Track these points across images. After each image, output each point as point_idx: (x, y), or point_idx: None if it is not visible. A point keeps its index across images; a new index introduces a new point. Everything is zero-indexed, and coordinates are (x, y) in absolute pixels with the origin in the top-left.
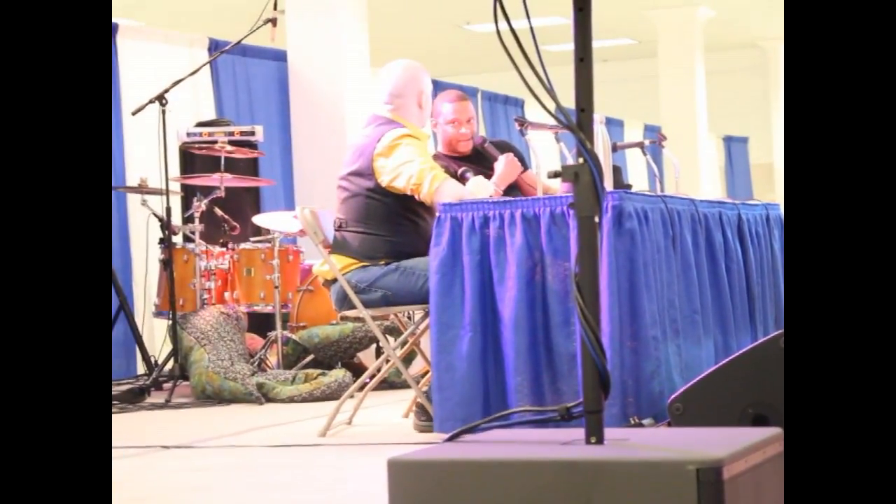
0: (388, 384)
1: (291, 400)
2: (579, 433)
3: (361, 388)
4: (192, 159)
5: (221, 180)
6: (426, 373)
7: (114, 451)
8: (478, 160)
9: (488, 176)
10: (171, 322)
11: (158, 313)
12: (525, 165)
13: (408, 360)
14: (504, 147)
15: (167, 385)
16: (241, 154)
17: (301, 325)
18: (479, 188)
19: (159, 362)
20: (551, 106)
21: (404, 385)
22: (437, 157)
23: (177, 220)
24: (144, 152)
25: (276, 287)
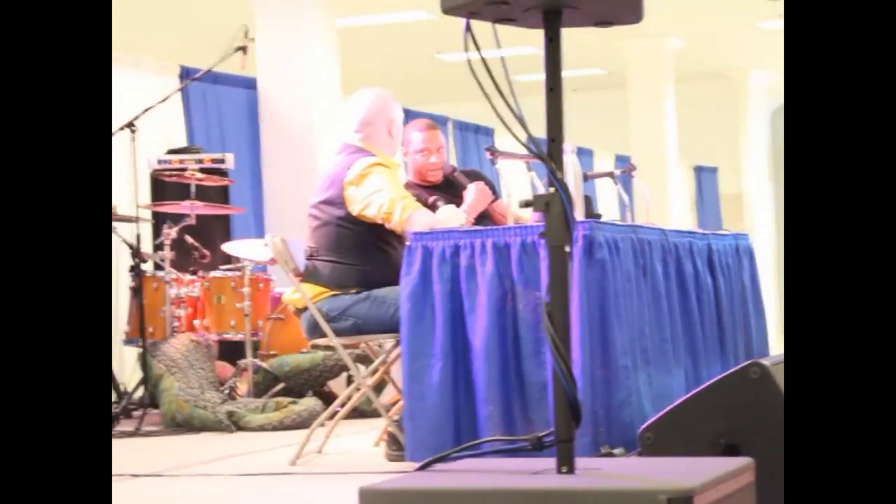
0: (358, 413)
1: (262, 428)
2: (550, 462)
3: (332, 416)
4: (163, 186)
5: (192, 208)
6: (397, 401)
7: None
8: (448, 189)
9: (459, 205)
10: (141, 350)
11: (128, 341)
12: (496, 194)
13: (379, 388)
14: (474, 176)
15: (137, 413)
16: (212, 182)
17: (272, 353)
18: (450, 217)
19: (129, 390)
20: (522, 135)
21: (375, 414)
22: (408, 185)
23: (147, 247)
24: (115, 179)
25: (247, 315)
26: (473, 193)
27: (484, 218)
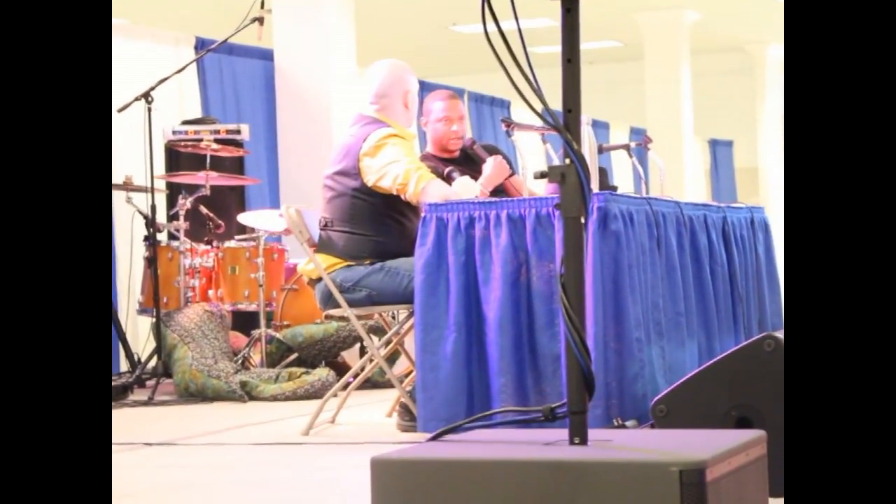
0: (371, 383)
1: (275, 398)
2: (563, 434)
3: (345, 387)
4: (178, 157)
5: (207, 178)
6: (410, 372)
7: None
8: (465, 162)
9: (475, 178)
10: (154, 319)
11: (142, 311)
12: (513, 169)
13: (392, 359)
14: (492, 150)
15: (150, 382)
16: (227, 152)
17: (285, 323)
18: (465, 189)
19: (142, 359)
20: (538, 107)
21: (388, 384)
22: (424, 157)
23: (162, 217)
24: (130, 150)
25: (261, 285)
26: (491, 167)
27: (500, 192)
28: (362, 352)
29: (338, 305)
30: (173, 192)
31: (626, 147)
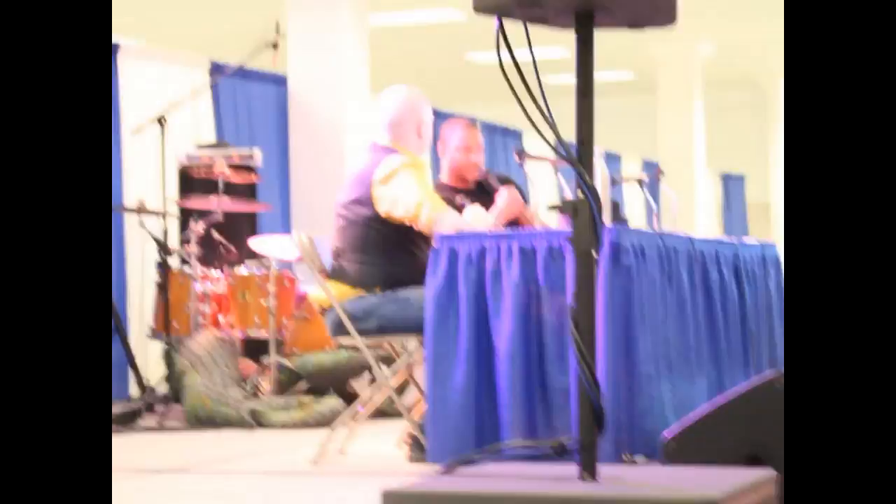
0: (381, 413)
1: (284, 426)
2: (572, 469)
3: (354, 416)
4: (191, 182)
5: (219, 204)
6: (419, 402)
7: None
8: (479, 193)
9: (488, 208)
10: (165, 345)
11: (153, 336)
12: (526, 200)
13: (401, 389)
14: (505, 181)
15: (160, 408)
16: (240, 178)
17: (295, 351)
18: (478, 219)
19: (152, 385)
20: (551, 138)
21: (397, 414)
22: (438, 186)
23: (174, 242)
24: (143, 173)
25: (272, 313)
26: (505, 199)
27: (512, 223)
28: (372, 381)
29: (348, 334)
30: (185, 216)
31: (639, 180)
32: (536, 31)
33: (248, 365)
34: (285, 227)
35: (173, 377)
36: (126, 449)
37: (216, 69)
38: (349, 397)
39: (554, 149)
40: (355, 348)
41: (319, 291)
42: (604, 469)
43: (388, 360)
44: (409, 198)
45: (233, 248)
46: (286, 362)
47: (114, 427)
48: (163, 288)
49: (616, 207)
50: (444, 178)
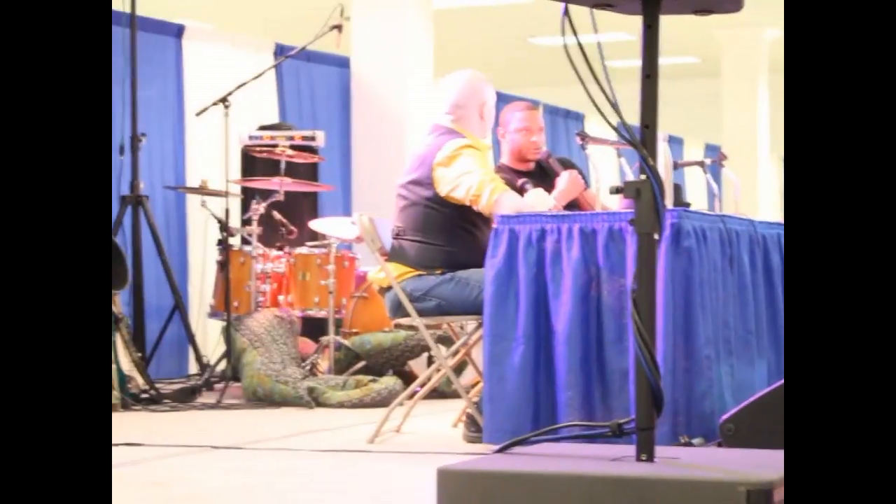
0: (438, 393)
1: (341, 405)
2: (629, 450)
3: (411, 396)
4: (253, 162)
5: (281, 184)
6: (477, 383)
7: (163, 450)
8: (540, 175)
9: (549, 191)
10: (225, 323)
11: (213, 314)
12: (586, 183)
13: (459, 370)
14: (567, 164)
15: (219, 386)
16: (302, 159)
17: (354, 331)
18: (539, 201)
19: (212, 363)
20: (615, 121)
21: (454, 395)
22: (499, 168)
23: (235, 222)
24: (206, 154)
25: (331, 292)
26: (566, 181)
27: (573, 206)
28: (430, 361)
29: (407, 314)
30: (247, 196)
31: (701, 164)
32: (600, 14)
33: (306, 344)
34: (346, 208)
35: (232, 355)
36: (184, 426)
37: (280, 51)
38: (407, 377)
39: (617, 131)
40: (414, 328)
41: (379, 272)
42: (661, 451)
43: (446, 341)
44: (470, 179)
45: (293, 228)
46: (345, 342)
47: (174, 404)
48: (223, 267)
49: (678, 191)
50: (505, 160)
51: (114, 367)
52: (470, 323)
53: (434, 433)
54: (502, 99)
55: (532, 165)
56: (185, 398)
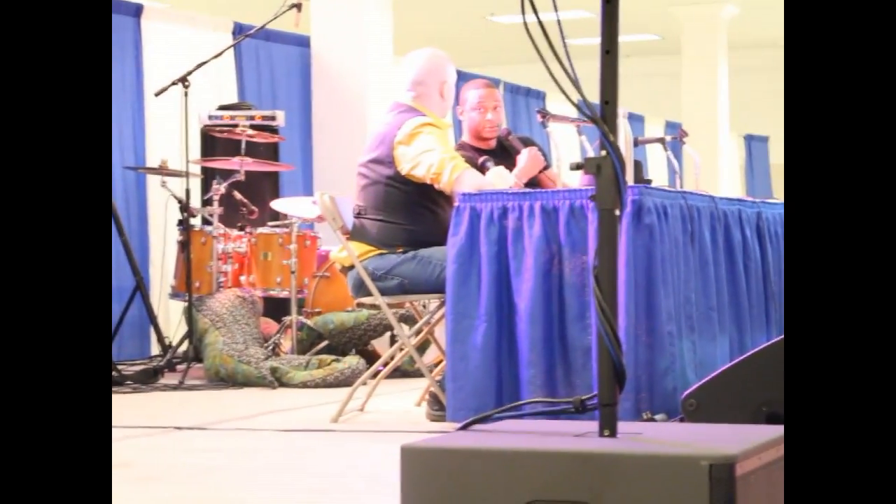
0: (401, 372)
1: (304, 385)
2: (592, 426)
3: (375, 375)
4: (213, 142)
5: (241, 164)
6: (440, 362)
7: (126, 431)
8: (501, 152)
9: (510, 169)
10: (186, 304)
11: (174, 295)
12: (547, 162)
13: (422, 348)
14: (528, 143)
15: (181, 367)
16: (262, 138)
17: (316, 310)
18: (500, 179)
19: (174, 344)
20: (575, 98)
21: (418, 374)
22: (460, 146)
23: (196, 202)
24: (166, 134)
25: (293, 272)
26: (526, 158)
27: (534, 185)
28: (393, 340)
29: (369, 293)
30: (208, 176)
31: (662, 140)
32: None
33: (269, 324)
34: (307, 187)
35: (194, 336)
36: (147, 407)
37: (239, 30)
38: (370, 356)
39: (578, 108)
40: (376, 307)
41: (341, 251)
42: (623, 426)
43: (408, 320)
44: (431, 157)
45: (255, 208)
46: (307, 321)
47: (136, 385)
48: (184, 247)
49: (639, 167)
50: (465, 138)
51: None
52: (432, 301)
53: (397, 412)
54: (463, 77)
55: (493, 143)
56: (147, 379)
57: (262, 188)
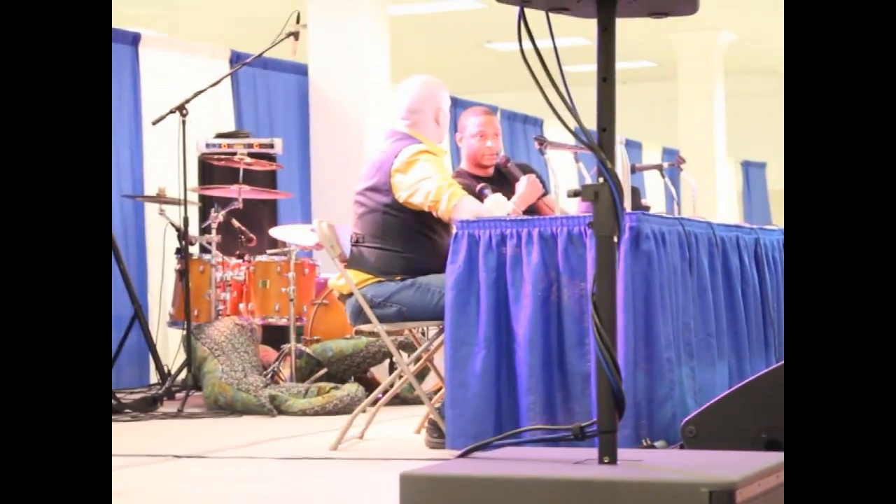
0: (400, 399)
1: (303, 413)
2: (592, 453)
3: (374, 402)
4: (211, 170)
5: (239, 192)
6: (439, 389)
7: (125, 460)
8: (499, 179)
9: (508, 196)
10: (185, 332)
11: (173, 323)
12: (545, 188)
13: (421, 375)
14: (526, 169)
15: (180, 395)
16: (260, 166)
17: (315, 338)
18: (498, 206)
19: (173, 372)
20: (572, 125)
21: (417, 401)
22: (458, 174)
23: (194, 230)
24: (164, 162)
25: (291, 300)
26: (525, 186)
27: (532, 212)
28: (392, 368)
29: (368, 321)
30: (206, 205)
31: (659, 167)
32: (557, 19)
33: (268, 352)
34: (305, 215)
35: (193, 364)
36: (146, 435)
37: (236, 59)
38: (369, 384)
39: (575, 135)
40: (375, 335)
41: (339, 278)
42: (623, 453)
43: (407, 347)
44: (429, 185)
45: (253, 236)
46: (306, 349)
47: (135, 413)
48: (183, 275)
49: (637, 194)
50: (464, 165)
51: None
52: (431, 329)
53: (397, 439)
54: (460, 104)
55: (491, 171)
56: (146, 408)
57: (260, 216)
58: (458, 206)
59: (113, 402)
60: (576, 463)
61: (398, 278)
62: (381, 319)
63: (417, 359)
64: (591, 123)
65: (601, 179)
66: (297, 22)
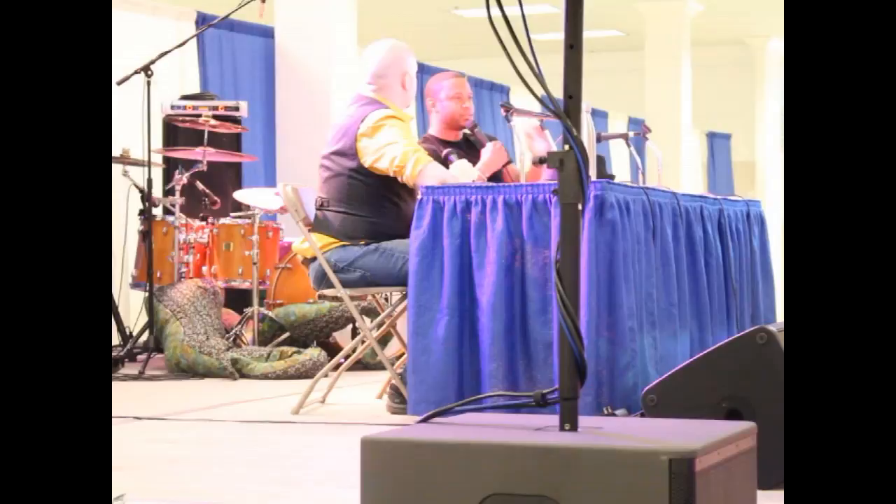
0: (362, 365)
1: (265, 377)
2: (553, 419)
3: (336, 367)
4: (175, 132)
5: (204, 154)
6: (401, 355)
7: None
8: (465, 146)
9: (474, 163)
10: (147, 294)
11: (135, 285)
12: (510, 157)
13: (384, 341)
14: (492, 140)
15: (141, 357)
16: (225, 129)
17: (278, 302)
18: (463, 172)
19: (134, 334)
20: (539, 92)
21: (379, 366)
22: (425, 139)
23: (157, 192)
24: (128, 123)
25: (255, 263)
26: (490, 152)
27: (497, 179)
28: (354, 333)
29: (331, 285)
30: (170, 166)
31: (625, 136)
32: None
33: (230, 315)
34: (270, 178)
35: (155, 326)
36: None
37: (203, 20)
38: (331, 348)
39: (542, 102)
40: (338, 299)
41: (303, 242)
42: (584, 420)
43: (370, 312)
44: (394, 150)
45: (217, 199)
46: (269, 313)
47: None
48: (146, 237)
49: (602, 163)
50: (434, 130)
51: None
52: (395, 294)
53: (358, 404)
54: (427, 71)
55: (459, 135)
56: None
57: (225, 179)
58: (423, 171)
59: None
60: (537, 429)
61: (362, 243)
62: (345, 284)
63: (380, 324)
64: (557, 91)
65: (567, 147)
66: None
